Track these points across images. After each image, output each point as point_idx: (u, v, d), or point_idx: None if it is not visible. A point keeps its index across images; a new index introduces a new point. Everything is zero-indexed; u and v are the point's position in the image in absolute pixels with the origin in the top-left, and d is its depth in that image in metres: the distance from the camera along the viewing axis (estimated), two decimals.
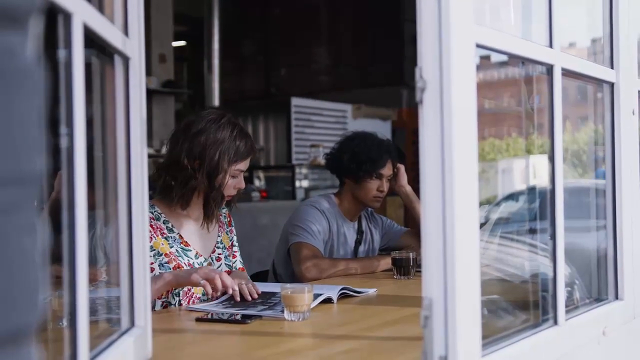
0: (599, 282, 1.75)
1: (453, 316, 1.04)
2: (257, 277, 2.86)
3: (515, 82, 1.64)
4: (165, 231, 2.14)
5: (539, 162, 1.57)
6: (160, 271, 2.04)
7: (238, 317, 1.79)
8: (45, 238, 0.66)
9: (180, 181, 2.12)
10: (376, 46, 8.31)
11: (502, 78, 1.65)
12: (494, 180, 1.80)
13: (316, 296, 1.90)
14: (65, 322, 0.97)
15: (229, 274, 2.10)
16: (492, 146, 1.66)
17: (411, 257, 2.49)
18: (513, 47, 1.30)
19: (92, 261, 0.99)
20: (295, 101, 7.35)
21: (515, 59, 1.45)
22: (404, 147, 6.39)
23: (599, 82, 1.70)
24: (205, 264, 2.19)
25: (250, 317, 1.77)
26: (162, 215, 2.15)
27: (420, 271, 2.06)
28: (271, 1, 8.99)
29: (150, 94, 6.47)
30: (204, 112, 2.19)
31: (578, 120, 1.99)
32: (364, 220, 2.93)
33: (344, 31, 8.61)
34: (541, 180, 1.55)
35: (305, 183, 6.79)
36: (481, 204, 1.16)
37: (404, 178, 2.88)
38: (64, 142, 0.89)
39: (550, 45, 1.39)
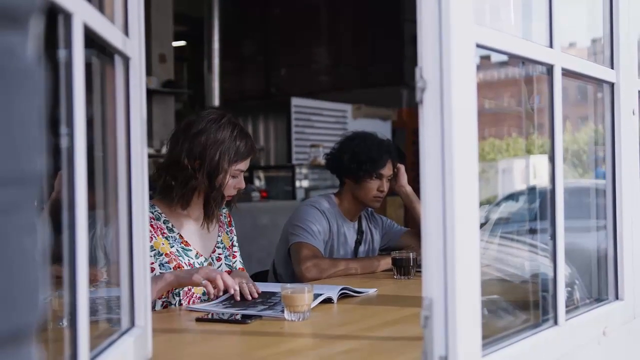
0: (599, 282, 1.75)
1: (453, 316, 1.04)
2: (257, 277, 2.86)
3: (516, 82, 1.64)
4: (166, 231, 2.14)
5: (539, 162, 1.57)
6: (161, 271, 2.04)
7: (238, 317, 1.79)
8: (46, 238, 0.66)
9: (180, 181, 2.12)
10: (376, 46, 8.31)
11: (502, 78, 1.65)
12: (494, 180, 1.80)
13: (316, 296, 1.90)
14: (65, 322, 0.97)
15: (229, 274, 2.10)
16: (492, 146, 1.66)
17: (411, 257, 2.49)
18: (513, 47, 1.30)
19: (93, 261, 0.99)
20: (295, 101, 7.35)
21: (515, 59, 1.45)
22: (404, 147, 6.39)
23: (599, 82, 1.70)
24: (205, 263, 2.19)
25: (250, 317, 1.77)
26: (163, 215, 2.15)
27: (420, 271, 2.07)
28: (271, 1, 8.99)
29: (150, 94, 6.47)
30: (204, 112, 2.19)
31: (578, 120, 1.99)
32: (364, 220, 2.93)
33: (344, 31, 8.61)
34: (541, 180, 1.55)
35: (305, 183, 6.78)
36: (481, 204, 1.16)
37: (404, 178, 2.88)
38: (64, 142, 0.89)
39: (551, 45, 1.39)
